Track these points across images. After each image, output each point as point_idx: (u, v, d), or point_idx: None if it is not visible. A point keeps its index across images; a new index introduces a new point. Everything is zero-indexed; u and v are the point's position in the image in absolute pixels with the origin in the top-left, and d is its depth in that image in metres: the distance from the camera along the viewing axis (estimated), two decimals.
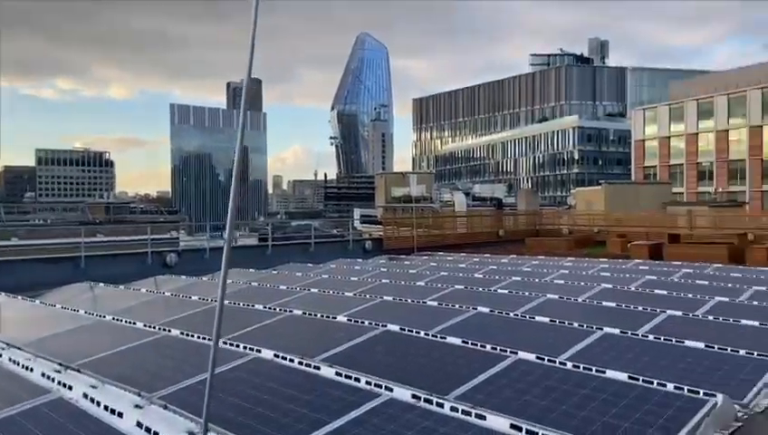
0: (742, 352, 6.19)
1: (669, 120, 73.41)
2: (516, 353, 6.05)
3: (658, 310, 8.31)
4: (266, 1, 3.70)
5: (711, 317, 7.93)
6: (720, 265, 13.43)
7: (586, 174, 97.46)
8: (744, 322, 7.55)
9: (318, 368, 5.71)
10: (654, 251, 16.68)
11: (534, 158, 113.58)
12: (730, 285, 10.56)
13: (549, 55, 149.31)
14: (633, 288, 10.63)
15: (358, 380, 5.33)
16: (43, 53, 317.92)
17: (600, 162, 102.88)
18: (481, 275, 12.76)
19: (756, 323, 7.41)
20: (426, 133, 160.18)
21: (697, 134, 70.29)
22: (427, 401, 4.91)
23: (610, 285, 10.75)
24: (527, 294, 10.05)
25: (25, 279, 13.98)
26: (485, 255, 18.02)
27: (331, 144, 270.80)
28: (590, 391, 5.04)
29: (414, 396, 4.96)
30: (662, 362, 6.21)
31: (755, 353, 6.08)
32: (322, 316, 8.25)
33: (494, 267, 14.58)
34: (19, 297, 11.34)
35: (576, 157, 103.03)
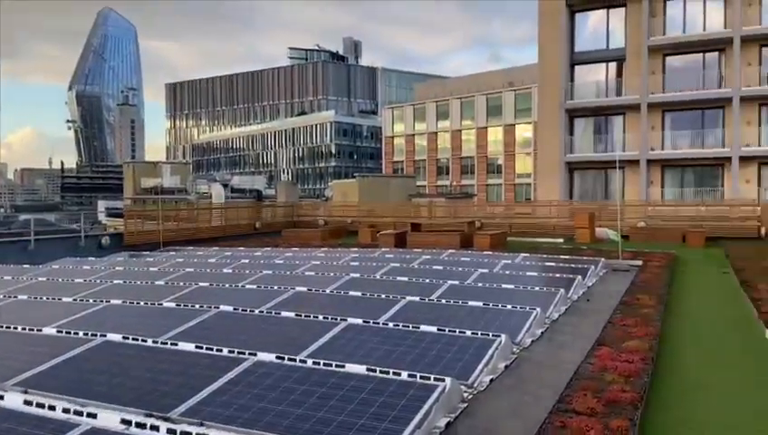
0: (468, 332, 6.57)
1: (414, 119, 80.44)
2: (255, 355, 5.69)
3: (399, 296, 8.58)
4: None
5: (444, 301, 8.43)
6: (453, 251, 14.78)
7: (343, 167, 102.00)
8: (471, 303, 8.16)
9: (1, 397, 4.80)
10: (399, 239, 17.80)
11: (294, 150, 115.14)
12: (461, 269, 11.55)
13: (307, 50, 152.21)
14: (378, 276, 10.98)
15: (53, 407, 4.51)
16: None
17: (355, 156, 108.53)
18: (230, 271, 12.04)
19: (480, 304, 8.05)
20: (181, 121, 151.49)
21: (437, 133, 78.18)
22: (139, 425, 4.28)
23: (358, 275, 10.96)
24: (276, 288, 9.67)
25: None
26: (239, 248, 17.31)
27: (69, 128, 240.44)
28: (329, 389, 4.94)
29: (123, 421, 4.33)
30: (400, 348, 6.34)
31: (479, 334, 6.53)
32: (24, 329, 6.97)
33: (246, 261, 13.99)
34: None
35: (333, 150, 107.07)
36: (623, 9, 34.16)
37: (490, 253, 14.63)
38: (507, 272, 11.30)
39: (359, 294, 9.07)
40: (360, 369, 5.24)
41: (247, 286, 10.27)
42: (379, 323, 7.17)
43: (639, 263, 14.07)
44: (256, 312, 7.94)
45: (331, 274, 11.26)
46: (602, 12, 35.17)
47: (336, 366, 5.35)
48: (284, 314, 7.78)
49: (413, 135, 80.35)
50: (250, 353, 5.71)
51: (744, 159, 30.73)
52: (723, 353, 6.79)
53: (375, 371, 5.17)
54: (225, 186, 60.42)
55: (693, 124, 33.15)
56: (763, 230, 19.59)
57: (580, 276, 10.64)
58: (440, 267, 11.69)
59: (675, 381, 5.69)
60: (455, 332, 6.61)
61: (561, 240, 20.65)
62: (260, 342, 6.69)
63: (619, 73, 34.60)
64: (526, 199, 62.79)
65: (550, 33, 35.21)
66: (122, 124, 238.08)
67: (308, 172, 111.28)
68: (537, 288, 9.37)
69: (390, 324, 7.12)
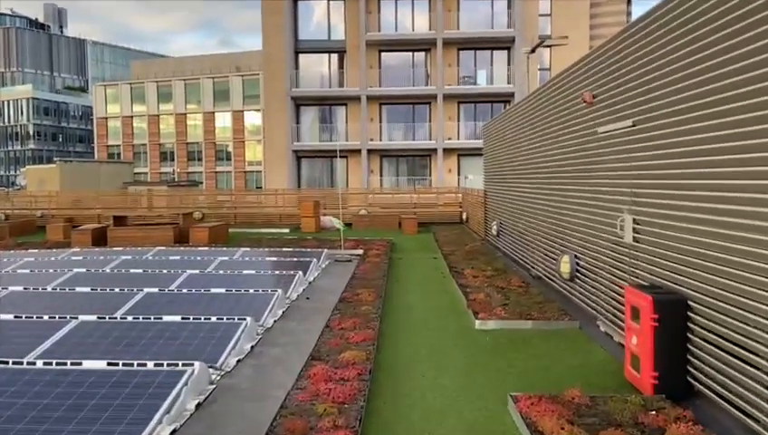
0: (213, 318, 6.69)
1: (131, 99, 73.04)
2: None
3: (69, 318, 6.68)
4: None
5: (131, 318, 6.80)
6: (163, 248, 12.90)
7: (44, 151, 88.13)
8: (166, 318, 6.70)
9: None
10: (98, 236, 15.09)
11: None
12: (166, 271, 9.88)
13: None
14: (51, 288, 8.67)
15: None
16: None
17: (60, 138, 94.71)
18: None
19: (178, 319, 6.65)
20: None
21: (159, 116, 72.25)
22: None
23: (21, 288, 8.51)
24: None
25: None
26: None
27: None
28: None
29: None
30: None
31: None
32: None
33: None
34: None
35: (31, 131, 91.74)
36: (342, 2, 35.19)
37: (206, 249, 13.14)
38: (221, 271, 10.02)
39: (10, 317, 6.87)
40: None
41: None
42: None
43: (360, 252, 14.08)
44: None
45: None
46: (323, 2, 35.75)
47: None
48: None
49: (131, 117, 72.96)
50: None
51: (447, 151, 34.34)
52: (440, 353, 6.57)
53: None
54: None
55: (406, 117, 35.91)
56: (464, 216, 21.74)
57: (300, 272, 9.90)
58: (140, 271, 9.82)
59: (391, 395, 5.13)
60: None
61: (288, 230, 20.09)
62: None
63: (341, 65, 35.67)
64: (257, 188, 61.98)
65: (273, 19, 34.54)
66: None
67: (0, 157, 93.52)
68: (252, 290, 8.31)
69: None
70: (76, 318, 6.70)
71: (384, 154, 35.37)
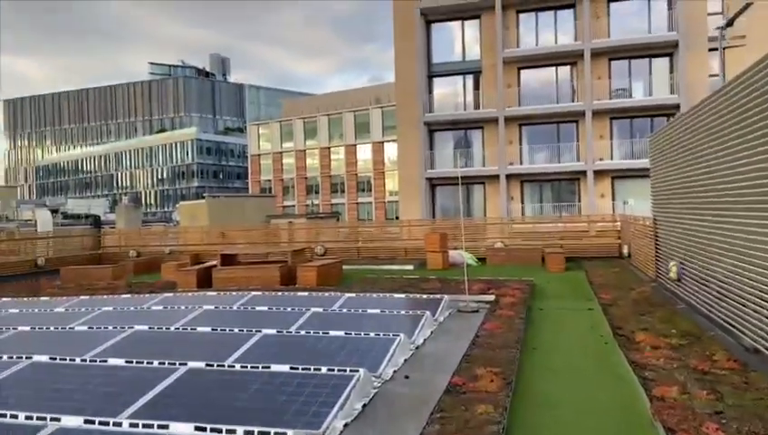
0: (371, 334, 7.31)
1: (281, 136, 76.43)
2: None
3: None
4: None
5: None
6: (258, 293, 11.09)
7: (206, 187, 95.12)
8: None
9: None
10: (203, 276, 13.87)
11: (153, 171, 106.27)
12: (239, 331, 7.92)
13: (170, 66, 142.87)
14: (81, 359, 7.00)
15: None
16: None
17: (221, 176, 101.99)
18: None
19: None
20: (23, 141, 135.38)
21: (305, 151, 74.71)
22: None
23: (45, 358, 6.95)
24: None
25: None
26: None
27: None
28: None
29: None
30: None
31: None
32: None
33: None
34: None
35: (195, 170, 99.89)
36: (478, 20, 32.91)
37: (304, 295, 11.15)
38: (303, 332, 7.86)
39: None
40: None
41: None
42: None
43: (491, 298, 11.31)
44: None
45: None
46: (457, 23, 33.73)
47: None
48: None
49: (281, 153, 76.39)
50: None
51: (599, 173, 30.21)
52: None
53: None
54: (55, 211, 52.49)
55: (549, 138, 32.38)
56: (625, 249, 17.94)
57: (402, 336, 7.42)
58: (206, 329, 7.96)
59: None
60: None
61: (411, 267, 17.76)
62: None
63: (477, 86, 33.20)
64: (395, 218, 61.03)
65: (406, 44, 33.09)
66: None
67: (169, 194, 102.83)
68: (325, 369, 5.98)
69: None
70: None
71: (525, 179, 32.04)
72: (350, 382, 5.59)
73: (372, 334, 7.54)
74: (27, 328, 8.31)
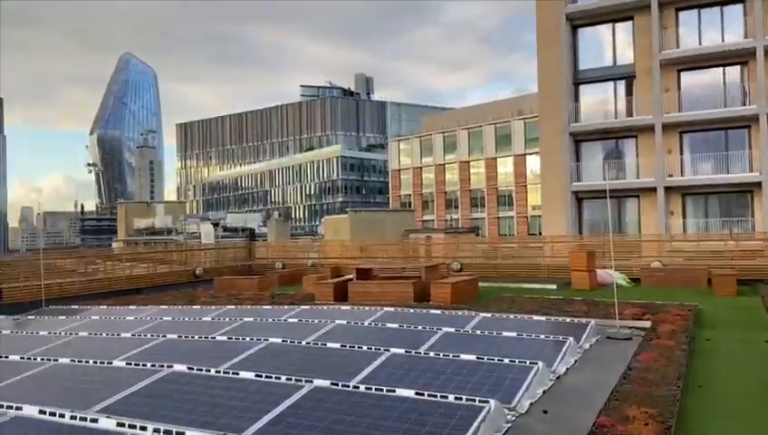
0: (506, 360, 6.73)
1: (421, 151, 77.29)
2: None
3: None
4: None
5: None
6: (392, 310, 10.86)
7: (350, 202, 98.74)
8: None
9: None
10: (339, 290, 14.02)
11: (302, 187, 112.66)
12: (369, 348, 7.71)
13: (318, 87, 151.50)
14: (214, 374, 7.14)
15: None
16: None
17: (363, 191, 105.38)
18: None
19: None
20: (192, 161, 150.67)
21: (444, 165, 74.79)
22: None
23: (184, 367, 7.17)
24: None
25: None
26: (130, 307, 13.47)
27: (89, 172, 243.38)
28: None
29: None
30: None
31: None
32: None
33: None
34: None
35: (340, 186, 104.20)
36: (630, 22, 30.64)
37: (436, 313, 10.74)
38: (432, 354, 7.44)
39: None
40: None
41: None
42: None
43: (647, 325, 10.09)
44: None
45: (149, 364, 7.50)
46: (608, 26, 31.67)
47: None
48: None
49: (420, 168, 77.26)
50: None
51: None
52: None
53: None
54: (216, 225, 57.28)
55: (715, 146, 29.07)
56: None
57: (541, 364, 6.73)
58: (336, 345, 7.85)
59: None
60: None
61: (555, 286, 16.61)
62: None
63: (629, 92, 30.83)
64: (539, 234, 58.69)
65: (550, 51, 31.67)
66: (142, 166, 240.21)
67: (316, 208, 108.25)
68: (453, 397, 5.52)
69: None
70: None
71: (687, 192, 29.02)
72: (480, 415, 5.08)
73: (507, 360, 6.93)
74: (174, 336, 8.81)
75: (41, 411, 5.11)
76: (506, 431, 5.24)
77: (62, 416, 5.07)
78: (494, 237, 55.95)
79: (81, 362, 7.13)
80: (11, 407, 5.31)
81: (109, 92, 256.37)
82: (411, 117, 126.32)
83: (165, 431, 4.66)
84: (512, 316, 10.34)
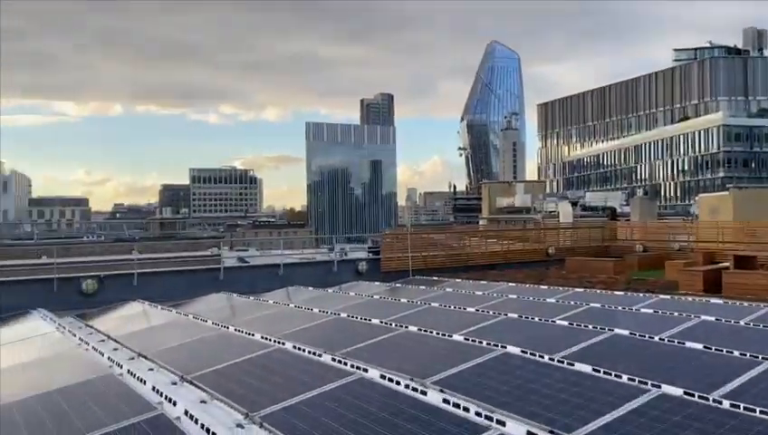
0: None
1: None
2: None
3: None
4: None
5: None
6: None
7: (734, 178, 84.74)
8: None
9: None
10: (711, 280, 11.80)
11: (673, 162, 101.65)
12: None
13: (696, 49, 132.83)
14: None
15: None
16: (208, 82, 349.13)
17: (753, 164, 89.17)
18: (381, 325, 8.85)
19: None
20: (552, 140, 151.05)
21: None
22: None
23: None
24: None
25: None
26: (482, 282, 13.96)
27: (460, 155, 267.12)
28: None
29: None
30: None
31: None
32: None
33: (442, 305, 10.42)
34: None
35: (721, 159, 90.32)
36: None
37: None
38: None
39: None
40: None
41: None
42: None
43: None
44: None
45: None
46: None
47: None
48: None
49: None
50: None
51: None
52: None
53: None
54: (575, 204, 56.11)
55: None
56: None
57: None
58: (698, 346, 6.49)
59: None
60: None
61: None
62: None
63: None
64: None
65: None
66: (506, 148, 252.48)
67: (690, 186, 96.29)
68: None
69: None
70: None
71: None
72: None
73: None
74: (515, 316, 8.70)
75: (381, 376, 5.55)
76: None
77: (398, 383, 5.39)
78: None
79: (426, 331, 7.63)
80: (358, 368, 5.94)
81: (476, 80, 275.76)
82: None
83: (486, 417, 4.50)
84: None
